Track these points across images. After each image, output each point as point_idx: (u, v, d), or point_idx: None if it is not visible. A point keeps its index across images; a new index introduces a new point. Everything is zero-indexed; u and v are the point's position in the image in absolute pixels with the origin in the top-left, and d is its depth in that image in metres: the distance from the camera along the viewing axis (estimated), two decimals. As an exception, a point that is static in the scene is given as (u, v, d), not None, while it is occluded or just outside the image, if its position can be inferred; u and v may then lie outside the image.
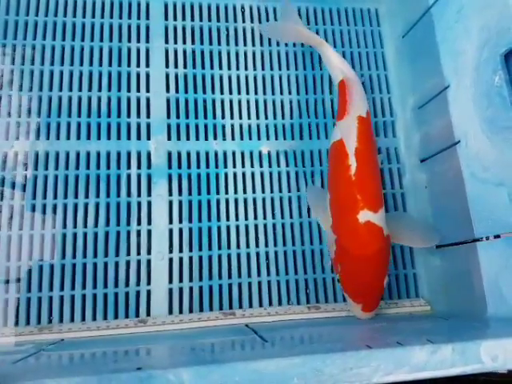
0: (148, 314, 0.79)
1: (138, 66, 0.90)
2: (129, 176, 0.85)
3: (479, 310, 0.73)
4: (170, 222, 0.84)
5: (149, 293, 0.80)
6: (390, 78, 0.99)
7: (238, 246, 0.84)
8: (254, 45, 0.95)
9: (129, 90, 0.88)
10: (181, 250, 0.83)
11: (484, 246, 0.74)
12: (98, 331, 0.74)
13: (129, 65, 0.90)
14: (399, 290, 0.88)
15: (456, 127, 0.79)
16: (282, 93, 0.94)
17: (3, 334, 0.73)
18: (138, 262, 0.81)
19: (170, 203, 0.85)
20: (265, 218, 0.86)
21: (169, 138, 0.88)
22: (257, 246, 0.85)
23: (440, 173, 0.85)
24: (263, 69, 0.94)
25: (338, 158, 0.76)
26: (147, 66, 0.90)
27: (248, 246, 0.85)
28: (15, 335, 0.73)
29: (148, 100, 0.89)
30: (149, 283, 0.80)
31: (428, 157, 0.88)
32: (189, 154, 0.88)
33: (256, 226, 0.86)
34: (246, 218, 0.86)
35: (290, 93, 0.94)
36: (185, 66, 0.92)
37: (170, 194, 0.86)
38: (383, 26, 1.02)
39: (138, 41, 0.92)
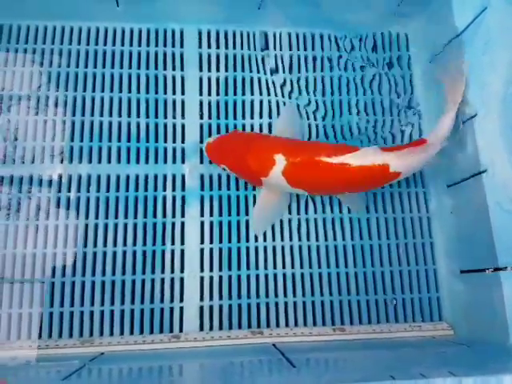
0: (181, 329, 0.84)
1: (174, 93, 0.95)
2: (164, 198, 0.90)
3: (502, 337, 0.75)
4: (202, 242, 0.89)
5: (181, 309, 0.85)
6: (417, 101, 1.00)
7: (266, 267, 0.88)
8: (283, 71, 0.99)
9: (165, 117, 0.94)
10: (211, 269, 0.87)
11: (507, 275, 0.75)
12: (135, 345, 0.80)
13: (165, 92, 0.95)
14: (423, 313, 0.89)
15: (482, 156, 0.80)
16: (308, 118, 0.97)
17: (48, 346, 0.80)
18: (172, 279, 0.86)
19: (202, 224, 0.90)
20: (291, 239, 0.90)
21: (201, 162, 0.93)
22: (283, 267, 0.88)
23: (466, 199, 0.86)
24: (291, 94, 0.98)
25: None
26: (182, 93, 0.96)
27: (275, 267, 0.88)
28: (60, 347, 0.79)
29: (183, 126, 0.94)
30: (182, 300, 0.85)
31: (454, 183, 0.89)
32: (220, 177, 0.93)
33: (283, 248, 0.89)
34: (274, 239, 0.90)
35: (315, 119, 0.97)
36: (217, 93, 0.96)
37: (202, 215, 0.90)
38: (411, 50, 1.03)
39: (174, 69, 0.97)
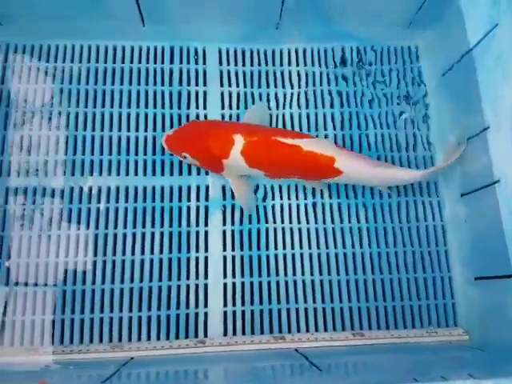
0: (205, 334, 0.87)
1: (197, 107, 1.00)
2: (188, 208, 0.94)
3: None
4: (224, 249, 0.93)
5: (206, 315, 0.88)
6: (429, 114, 1.04)
7: (286, 274, 0.92)
8: (299, 86, 1.03)
9: (189, 130, 0.98)
10: (234, 276, 0.91)
11: (519, 281, 0.78)
12: (162, 350, 0.83)
13: (188, 107, 1.00)
14: (439, 319, 0.92)
15: (495, 167, 0.83)
16: (325, 128, 1.01)
17: (80, 351, 0.83)
18: (197, 286, 0.90)
19: (224, 232, 0.94)
20: (310, 247, 0.93)
21: (224, 173, 0.97)
22: (303, 274, 0.92)
23: (479, 209, 0.89)
24: (307, 107, 1.02)
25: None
26: (204, 107, 1.00)
27: (295, 273, 0.92)
28: (91, 352, 0.83)
29: (205, 139, 0.98)
30: (206, 306, 0.89)
31: (468, 192, 0.92)
32: (241, 188, 0.97)
33: (302, 255, 0.93)
34: (293, 247, 0.93)
35: (334, 128, 1.01)
36: (238, 107, 1.01)
37: (224, 223, 0.94)
38: (423, 63, 1.07)
39: (197, 84, 1.01)
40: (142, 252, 0.91)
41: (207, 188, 0.96)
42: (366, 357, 0.78)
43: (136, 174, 0.95)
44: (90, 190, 0.93)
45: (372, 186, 0.96)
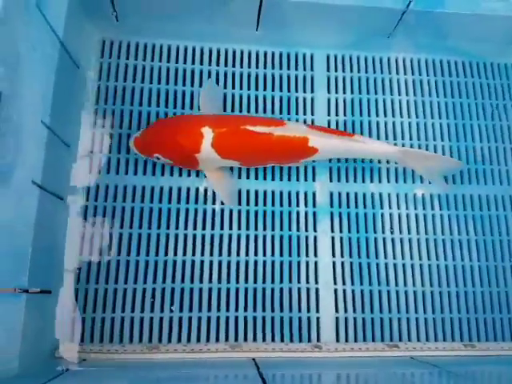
0: (318, 339, 0.89)
1: (305, 113, 1.01)
2: (298, 213, 0.96)
3: None
4: (333, 255, 0.94)
5: (318, 320, 0.90)
6: (533, 130, 1.04)
7: (397, 284, 0.93)
8: (407, 94, 1.04)
9: (299, 136, 0.99)
10: (344, 283, 0.92)
11: None
12: (280, 353, 0.85)
13: (297, 113, 1.01)
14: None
15: None
16: (434, 139, 1.01)
17: (201, 350, 0.85)
18: (308, 290, 0.92)
19: (333, 239, 0.95)
20: (420, 258, 0.94)
21: (331, 180, 0.98)
22: (413, 285, 0.93)
23: None
24: (417, 117, 1.02)
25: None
26: (312, 113, 1.01)
27: (406, 284, 0.93)
28: (211, 351, 0.85)
29: (315, 145, 0.99)
30: (317, 311, 0.90)
31: None
32: (348, 195, 0.98)
33: (412, 266, 0.94)
34: (403, 258, 0.94)
35: (442, 139, 1.01)
36: (344, 114, 1.02)
37: (332, 230, 0.95)
38: (528, 79, 1.07)
39: (304, 91, 1.02)
40: (256, 253, 0.92)
41: (314, 194, 0.97)
42: (489, 367, 0.79)
43: (247, 177, 0.96)
44: (206, 190, 0.95)
45: (351, 158, 0.96)
